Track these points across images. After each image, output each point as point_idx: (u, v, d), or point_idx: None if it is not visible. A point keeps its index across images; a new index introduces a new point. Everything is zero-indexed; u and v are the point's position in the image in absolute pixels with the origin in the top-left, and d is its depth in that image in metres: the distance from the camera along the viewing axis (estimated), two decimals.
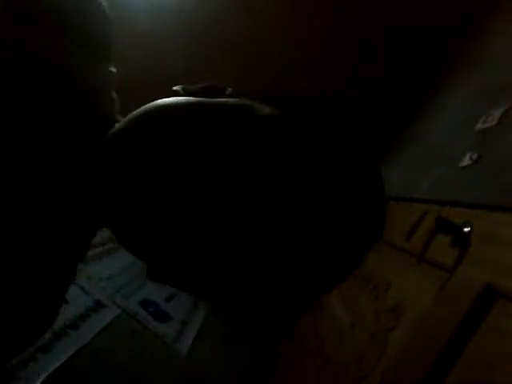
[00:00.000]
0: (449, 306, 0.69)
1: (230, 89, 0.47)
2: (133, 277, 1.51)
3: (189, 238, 0.37)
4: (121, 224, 0.41)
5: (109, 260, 1.51)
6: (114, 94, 0.51)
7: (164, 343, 1.30)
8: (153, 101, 0.42)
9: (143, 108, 0.42)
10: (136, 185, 0.37)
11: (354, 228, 0.38)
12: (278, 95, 0.43)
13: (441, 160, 1.23)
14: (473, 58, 1.59)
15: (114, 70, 0.52)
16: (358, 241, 0.39)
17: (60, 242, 0.45)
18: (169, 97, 0.43)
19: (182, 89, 0.46)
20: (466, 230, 0.74)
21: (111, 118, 0.47)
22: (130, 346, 1.19)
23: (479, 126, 1.09)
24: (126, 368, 1.10)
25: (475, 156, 0.98)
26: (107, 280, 1.40)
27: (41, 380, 0.84)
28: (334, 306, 1.28)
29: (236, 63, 1.97)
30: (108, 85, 0.50)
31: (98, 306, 1.24)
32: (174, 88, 0.47)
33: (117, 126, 0.43)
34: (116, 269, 1.50)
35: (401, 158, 1.71)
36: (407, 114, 1.88)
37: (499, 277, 0.61)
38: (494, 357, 0.55)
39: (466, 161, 1.01)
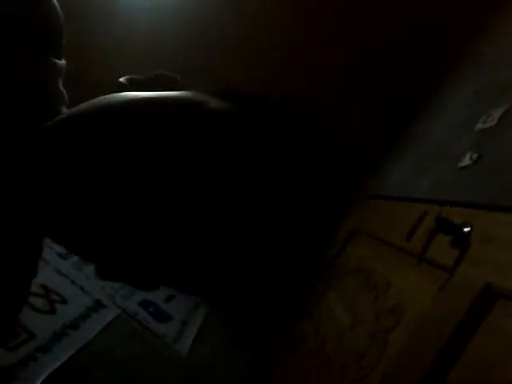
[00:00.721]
0: (449, 306, 0.69)
1: (179, 78, 0.45)
2: None
3: (132, 233, 0.35)
4: (56, 223, 0.39)
5: None
6: (61, 86, 0.49)
7: (164, 343, 1.30)
8: None
9: (84, 104, 0.40)
10: (62, 181, 0.36)
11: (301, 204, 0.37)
12: (232, 90, 0.41)
13: (441, 160, 1.23)
14: (473, 58, 1.59)
15: (62, 62, 0.50)
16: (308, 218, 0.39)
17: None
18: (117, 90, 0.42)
19: (128, 80, 0.45)
20: (465, 229, 0.74)
21: (53, 110, 0.46)
22: (130, 345, 1.19)
23: (479, 125, 1.09)
24: (126, 368, 1.10)
25: (475, 156, 0.98)
26: None
27: (41, 380, 0.84)
28: (334, 306, 1.28)
29: (236, 63, 1.97)
30: (51, 77, 0.49)
31: (98, 305, 1.24)
32: (120, 80, 0.45)
33: (55, 119, 0.41)
34: None
35: (401, 157, 1.71)
36: (407, 114, 1.88)
37: (499, 277, 0.61)
38: (493, 357, 0.55)
39: (466, 161, 1.01)
